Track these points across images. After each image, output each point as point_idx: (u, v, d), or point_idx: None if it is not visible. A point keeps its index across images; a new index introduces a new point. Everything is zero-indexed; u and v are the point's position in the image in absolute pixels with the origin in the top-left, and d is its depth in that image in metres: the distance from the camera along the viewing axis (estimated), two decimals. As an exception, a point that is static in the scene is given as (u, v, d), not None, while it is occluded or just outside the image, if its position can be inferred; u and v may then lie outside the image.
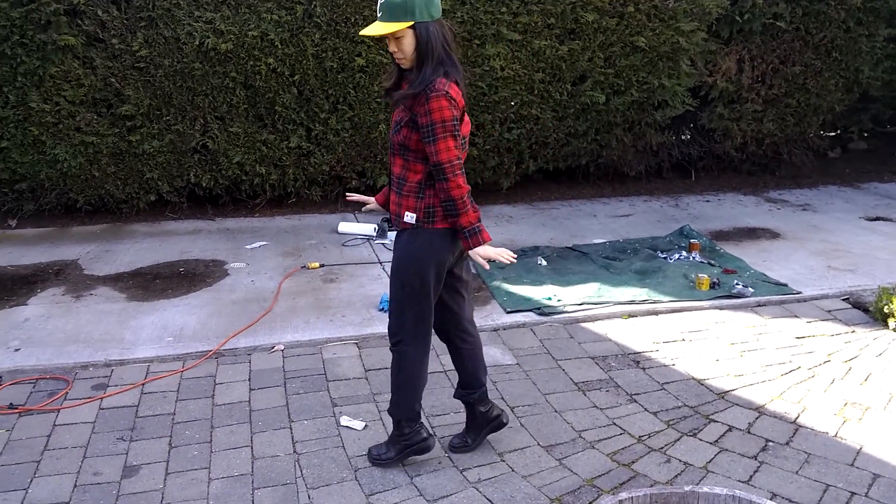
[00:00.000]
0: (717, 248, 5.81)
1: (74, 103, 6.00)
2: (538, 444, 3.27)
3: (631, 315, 4.61)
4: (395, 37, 2.64)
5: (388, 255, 5.64)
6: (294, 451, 3.19)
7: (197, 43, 5.95)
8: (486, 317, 4.51)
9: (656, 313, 4.64)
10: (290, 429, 3.36)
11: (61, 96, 5.96)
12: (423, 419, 3.41)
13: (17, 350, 4.03)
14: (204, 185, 6.55)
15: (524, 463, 3.13)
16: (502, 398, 3.65)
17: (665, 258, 5.56)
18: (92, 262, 5.51)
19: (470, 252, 2.76)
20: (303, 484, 2.97)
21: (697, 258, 5.54)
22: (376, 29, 2.63)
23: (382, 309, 4.55)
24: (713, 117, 7.56)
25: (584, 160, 7.41)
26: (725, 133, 7.68)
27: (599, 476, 3.05)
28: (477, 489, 2.95)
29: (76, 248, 5.83)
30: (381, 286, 4.96)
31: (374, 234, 6.10)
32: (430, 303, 2.90)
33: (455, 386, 3.23)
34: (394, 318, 2.94)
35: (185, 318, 4.47)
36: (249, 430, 3.35)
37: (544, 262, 5.40)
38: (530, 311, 4.59)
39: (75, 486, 2.95)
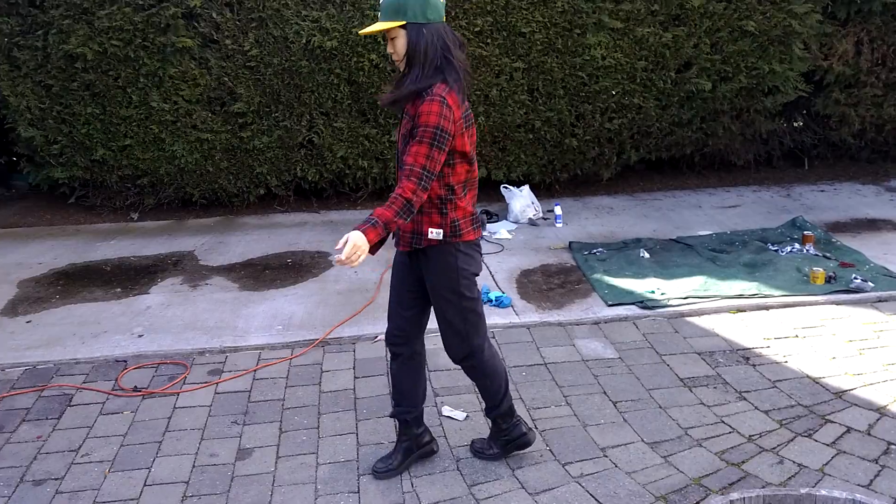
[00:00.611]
0: (833, 240, 5.51)
1: (191, 102, 6.31)
2: (642, 441, 3.21)
3: (739, 310, 4.44)
4: (391, 37, 2.61)
5: (486, 247, 5.65)
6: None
7: (304, 41, 6.14)
8: (586, 309, 4.45)
9: (767, 308, 4.46)
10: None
11: (179, 96, 6.29)
12: (524, 413, 3.42)
13: (140, 336, 4.30)
14: (310, 178, 6.76)
15: (628, 459, 3.09)
16: (604, 392, 3.60)
17: (776, 251, 5.33)
18: (207, 252, 5.80)
19: (350, 233, 2.42)
20: (407, 472, 3.04)
21: (811, 251, 5.28)
22: (371, 27, 2.62)
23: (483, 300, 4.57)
24: (828, 103, 7.16)
25: (688, 150, 7.19)
26: (842, 119, 7.26)
27: (707, 475, 2.96)
28: (580, 484, 2.93)
29: (192, 239, 6.15)
30: (480, 278, 4.97)
31: (474, 226, 6.12)
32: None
33: (478, 398, 3.06)
34: (455, 339, 2.85)
35: (293, 308, 4.63)
36: (354, 418, 3.45)
37: (647, 255, 5.28)
38: (633, 304, 4.50)
39: (194, 466, 3.12)
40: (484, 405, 3.09)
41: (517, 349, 4.05)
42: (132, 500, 2.89)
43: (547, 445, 3.19)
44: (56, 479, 3.04)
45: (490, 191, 6.97)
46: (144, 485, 3.00)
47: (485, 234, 5.98)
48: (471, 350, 2.88)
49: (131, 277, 5.27)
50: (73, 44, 6.03)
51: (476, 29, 6.29)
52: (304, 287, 4.99)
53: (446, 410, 3.46)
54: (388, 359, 3.05)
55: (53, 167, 6.63)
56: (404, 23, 2.56)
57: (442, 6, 2.65)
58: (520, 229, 6.12)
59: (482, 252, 2.94)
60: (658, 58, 6.55)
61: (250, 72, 6.28)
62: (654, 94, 6.68)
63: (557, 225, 6.15)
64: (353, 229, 2.44)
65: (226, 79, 6.29)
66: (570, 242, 5.63)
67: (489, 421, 3.13)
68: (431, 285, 2.81)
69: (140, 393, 3.70)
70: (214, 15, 6.12)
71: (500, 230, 6.03)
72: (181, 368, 3.95)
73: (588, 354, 3.97)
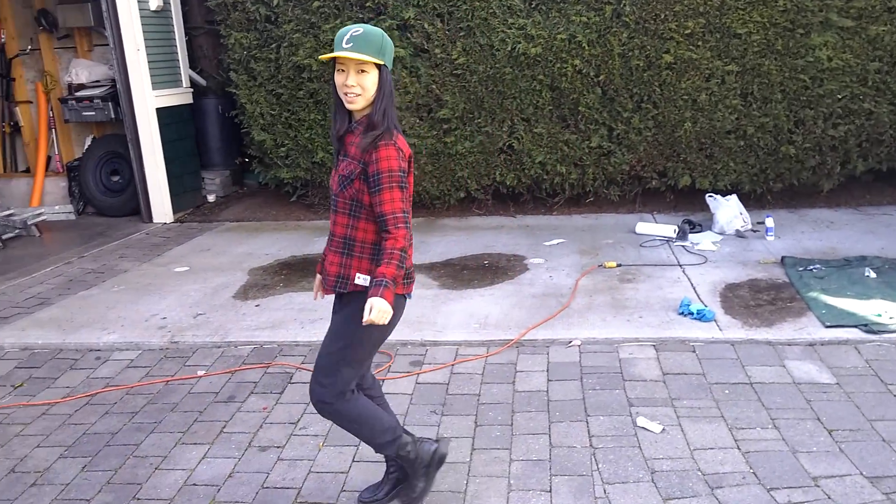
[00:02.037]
0: None
1: (401, 109, 6.68)
2: (861, 474, 2.94)
3: None
4: (362, 69, 2.48)
5: (688, 258, 5.45)
6: (590, 445, 3.24)
7: (509, 48, 6.28)
8: (799, 329, 4.15)
9: None
10: (587, 422, 3.42)
11: (391, 103, 6.68)
12: (725, 432, 3.26)
13: (350, 324, 4.63)
14: (508, 183, 6.89)
15: (843, 492, 2.84)
16: (818, 418, 3.34)
17: None
18: (409, 251, 6.10)
19: (371, 300, 2.40)
20: (598, 477, 3.02)
21: None
22: (353, 54, 2.44)
23: (682, 313, 4.41)
24: None
25: (926, 160, 6.46)
26: None
27: (939, 520, 2.66)
28: (786, 511, 2.75)
29: (396, 238, 6.49)
30: (680, 289, 4.82)
31: (674, 235, 5.93)
32: (366, 363, 2.76)
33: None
34: (324, 381, 2.66)
35: (489, 308, 4.76)
36: (547, 419, 3.48)
37: (873, 274, 4.81)
38: (854, 326, 4.12)
39: (396, 448, 3.31)
40: (374, 448, 2.87)
41: (719, 365, 3.87)
42: (342, 472, 3.13)
43: (751, 468, 3.02)
44: (278, 448, 3.37)
45: (694, 199, 6.71)
46: (353, 460, 3.23)
47: (686, 244, 5.77)
48: (331, 400, 2.67)
49: (342, 271, 5.67)
50: (301, 56, 6.61)
51: (686, 31, 6.09)
52: (500, 288, 5.10)
53: (641, 421, 3.39)
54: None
55: (280, 168, 7.30)
56: (382, 62, 2.51)
57: None
58: (725, 241, 5.83)
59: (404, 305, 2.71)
60: (895, 59, 5.95)
61: (456, 79, 6.53)
62: (888, 98, 6.08)
63: (768, 238, 5.78)
64: (369, 296, 2.40)
65: (433, 86, 6.58)
66: (783, 257, 5.27)
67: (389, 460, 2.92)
68: (334, 324, 2.71)
69: (349, 377, 3.99)
70: (426, 25, 6.43)
71: (703, 241, 5.78)
72: (386, 357, 4.19)
73: (800, 377, 3.70)
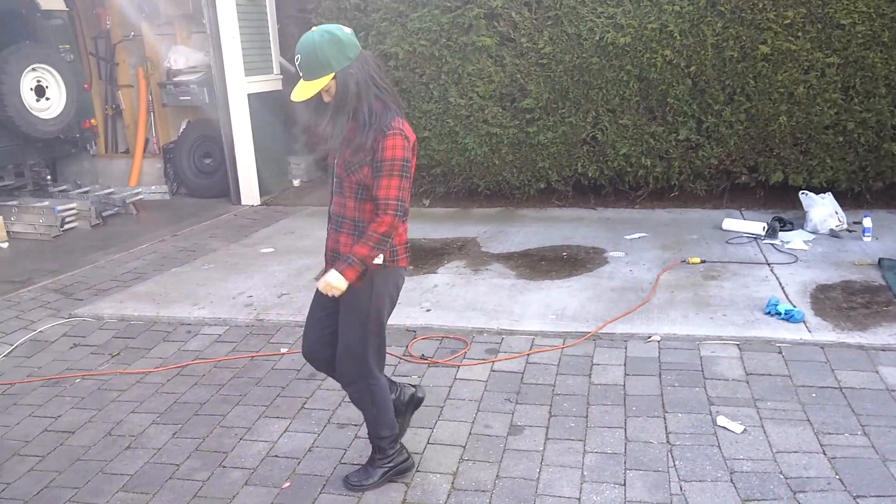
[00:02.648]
0: None
1: (484, 98, 6.69)
2: (958, 488, 2.80)
3: None
4: (325, 90, 2.62)
5: (777, 257, 5.27)
6: (667, 441, 3.20)
7: (597, 38, 6.20)
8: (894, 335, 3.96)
9: None
10: (664, 419, 3.37)
11: (474, 92, 6.70)
12: (811, 436, 3.16)
13: (427, 311, 4.68)
14: (589, 175, 6.81)
15: (937, 505, 2.71)
16: (912, 428, 3.19)
17: None
18: (488, 240, 6.12)
19: (326, 275, 2.60)
20: (675, 474, 2.97)
21: None
22: (304, 91, 2.60)
23: (769, 312, 4.28)
24: None
25: None
26: None
27: None
28: (873, 521, 2.65)
29: (475, 227, 6.53)
30: (767, 288, 4.66)
31: (763, 233, 5.73)
32: (385, 335, 2.90)
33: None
34: (352, 362, 2.84)
35: (566, 299, 4.73)
36: (623, 413, 3.44)
37: (979, 281, 4.54)
38: (956, 334, 3.91)
39: (470, 434, 3.35)
40: (367, 431, 3.00)
41: (807, 368, 3.73)
42: (417, 453, 3.18)
43: (836, 474, 2.91)
44: (355, 426, 3.45)
45: (785, 196, 6.47)
46: (428, 442, 3.29)
47: (776, 242, 5.57)
48: (361, 376, 2.84)
49: (422, 257, 5.75)
50: (388, 44, 6.70)
51: (786, 21, 5.87)
52: (577, 280, 5.06)
53: (722, 420, 3.31)
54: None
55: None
56: (333, 74, 2.57)
57: (352, 36, 2.61)
58: (818, 240, 5.60)
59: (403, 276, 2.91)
60: None
61: (541, 69, 6.48)
62: None
63: (865, 238, 5.52)
64: (332, 269, 2.56)
65: (518, 76, 6.56)
66: (881, 259, 5.02)
67: (373, 449, 3.02)
68: (348, 305, 2.78)
69: (427, 361, 4.05)
70: (514, 14, 6.41)
71: (793, 240, 5.57)
72: (462, 344, 4.23)
73: (894, 384, 3.54)
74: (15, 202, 7.46)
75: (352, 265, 2.57)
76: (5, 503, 3.03)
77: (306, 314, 3.00)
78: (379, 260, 2.71)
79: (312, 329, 2.96)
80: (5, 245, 6.95)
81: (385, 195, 2.59)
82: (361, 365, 2.84)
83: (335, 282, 2.60)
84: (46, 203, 7.41)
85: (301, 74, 2.62)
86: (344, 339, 2.84)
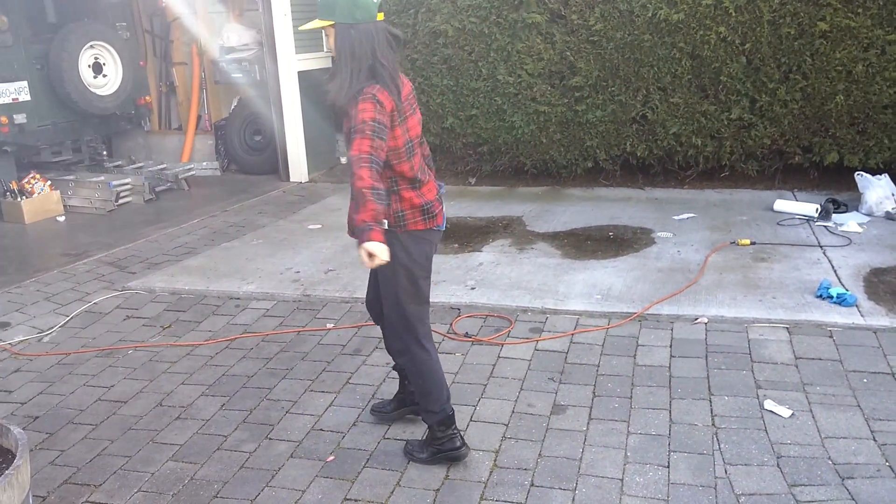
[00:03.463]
0: None
1: (533, 76, 6.63)
2: None
3: None
4: (327, 34, 2.70)
5: (830, 239, 5.14)
6: (713, 424, 3.17)
7: (650, 15, 6.07)
8: (954, 322, 3.84)
9: None
10: (710, 401, 3.34)
11: (523, 69, 6.64)
12: (861, 422, 3.09)
13: (472, 289, 4.70)
14: (638, 154, 6.71)
15: None
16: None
17: None
18: (533, 219, 6.10)
19: (361, 249, 2.50)
20: (720, 457, 2.95)
21: None
22: (308, 24, 2.72)
23: (820, 296, 4.18)
24: None
25: None
26: None
27: None
28: (925, 511, 2.59)
29: (521, 206, 6.51)
30: (819, 271, 4.56)
31: (816, 215, 5.59)
32: (425, 303, 2.92)
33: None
34: (393, 330, 2.94)
35: (612, 279, 4.69)
36: (668, 395, 3.42)
37: None
38: None
39: (513, 412, 3.37)
40: (420, 407, 3.03)
41: (859, 353, 3.65)
42: (460, 431, 3.21)
43: (886, 461, 2.85)
44: (399, 401, 3.50)
45: (840, 178, 6.29)
46: (470, 420, 3.32)
47: (829, 224, 5.43)
48: (407, 346, 2.90)
49: (467, 235, 5.76)
50: (438, 21, 6.68)
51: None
52: (623, 261, 5.02)
53: (769, 404, 3.27)
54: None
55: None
56: (333, 22, 2.66)
57: (373, 5, 2.62)
58: (873, 223, 5.44)
59: (435, 241, 2.92)
60: None
61: (592, 46, 6.39)
62: None
63: (923, 222, 5.35)
64: (359, 245, 2.49)
65: (568, 53, 6.48)
66: (940, 243, 4.87)
67: (427, 428, 3.05)
68: (379, 276, 2.88)
69: (470, 339, 4.07)
70: (564, -9, 6.32)
71: (847, 222, 5.42)
72: (506, 322, 4.24)
73: (953, 372, 3.44)
74: (72, 177, 7.69)
75: (370, 229, 2.51)
76: (60, 469, 3.16)
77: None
78: (382, 225, 2.72)
79: (372, 289, 3.12)
80: (62, 219, 7.18)
81: (357, 152, 2.58)
82: (404, 334, 2.92)
83: (375, 248, 2.52)
84: (102, 178, 7.62)
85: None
86: (385, 310, 2.96)
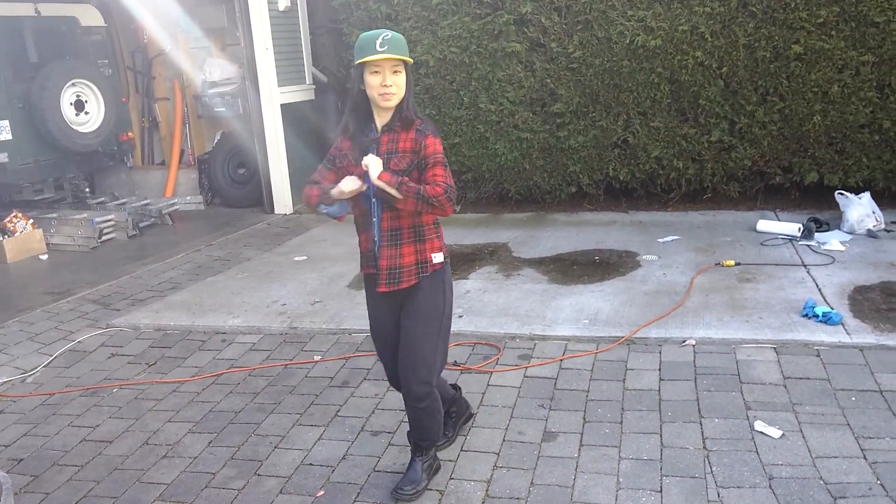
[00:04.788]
0: None
1: (515, 103, 6.69)
2: None
3: None
4: (396, 71, 2.72)
5: (813, 258, 5.18)
6: (704, 447, 3.16)
7: (627, 41, 6.17)
8: (938, 337, 3.87)
9: None
10: (700, 424, 3.33)
11: (504, 97, 6.70)
12: (851, 440, 3.10)
13: (460, 316, 4.69)
14: (621, 178, 6.77)
15: None
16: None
17: None
18: (519, 245, 6.11)
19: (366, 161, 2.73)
20: (712, 480, 2.94)
21: None
22: (392, 55, 2.68)
23: (806, 315, 4.21)
24: None
25: None
26: None
27: None
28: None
29: (506, 232, 6.53)
30: (804, 290, 4.59)
31: (798, 234, 5.64)
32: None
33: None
34: (425, 369, 2.89)
35: (599, 304, 4.70)
36: (659, 419, 3.41)
37: None
38: None
39: (503, 440, 3.34)
40: (420, 437, 3.04)
41: (846, 371, 3.66)
42: (450, 461, 3.18)
43: (878, 479, 2.85)
44: (389, 433, 3.47)
45: (820, 197, 6.37)
46: (461, 449, 3.29)
47: (812, 244, 5.48)
48: (431, 386, 2.91)
49: (453, 263, 5.71)
50: (419, 52, 6.74)
51: (819, 20, 5.78)
52: (610, 285, 5.03)
53: (759, 425, 3.26)
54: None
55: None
56: (411, 61, 2.79)
57: (359, 45, 2.77)
58: (855, 241, 5.49)
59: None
60: None
61: (572, 73, 6.47)
62: None
63: (904, 238, 5.40)
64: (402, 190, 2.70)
65: (548, 80, 6.55)
66: (921, 259, 4.92)
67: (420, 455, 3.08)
68: (420, 311, 2.87)
69: (459, 367, 4.05)
70: (543, 19, 6.41)
71: (830, 240, 5.47)
72: (494, 350, 4.23)
73: (940, 387, 3.46)
74: (54, 214, 7.64)
75: (394, 175, 2.70)
76: (49, 510, 3.10)
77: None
78: (440, 259, 2.88)
79: (387, 352, 3.06)
80: (45, 257, 7.12)
81: (446, 182, 2.75)
82: (434, 375, 2.94)
83: (372, 161, 2.72)
84: (85, 215, 7.57)
85: (382, 48, 2.69)
86: (418, 352, 2.87)
